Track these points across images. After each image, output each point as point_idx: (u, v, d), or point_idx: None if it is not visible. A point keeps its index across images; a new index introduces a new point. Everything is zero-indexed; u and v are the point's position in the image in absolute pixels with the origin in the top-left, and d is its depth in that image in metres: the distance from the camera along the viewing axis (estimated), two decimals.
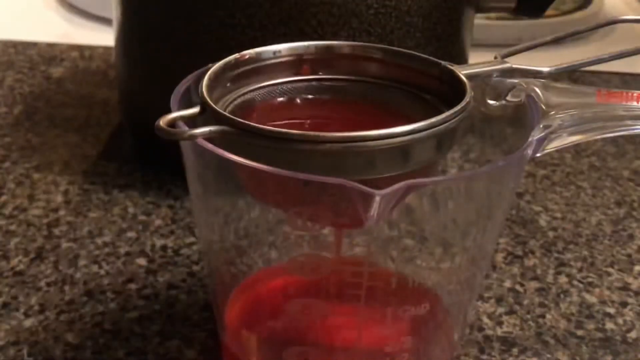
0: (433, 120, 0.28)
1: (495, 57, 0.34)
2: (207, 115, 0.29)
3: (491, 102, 0.33)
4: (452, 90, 0.30)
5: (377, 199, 0.25)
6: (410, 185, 0.26)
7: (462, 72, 0.31)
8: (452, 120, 0.28)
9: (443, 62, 0.32)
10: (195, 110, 0.29)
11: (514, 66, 0.33)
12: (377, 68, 0.33)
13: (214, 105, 0.29)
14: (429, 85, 0.32)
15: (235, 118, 0.28)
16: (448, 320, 0.33)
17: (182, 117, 0.28)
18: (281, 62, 0.33)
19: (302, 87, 0.33)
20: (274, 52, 0.32)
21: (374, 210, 0.26)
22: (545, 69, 0.33)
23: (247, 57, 0.32)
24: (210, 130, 0.28)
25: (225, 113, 0.28)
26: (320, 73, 0.33)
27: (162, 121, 0.27)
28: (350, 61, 0.33)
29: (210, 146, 0.27)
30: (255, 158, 0.27)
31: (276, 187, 0.29)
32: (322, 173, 0.27)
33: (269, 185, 0.29)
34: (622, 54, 0.35)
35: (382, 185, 0.26)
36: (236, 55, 0.32)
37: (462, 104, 0.29)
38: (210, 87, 0.30)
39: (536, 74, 0.33)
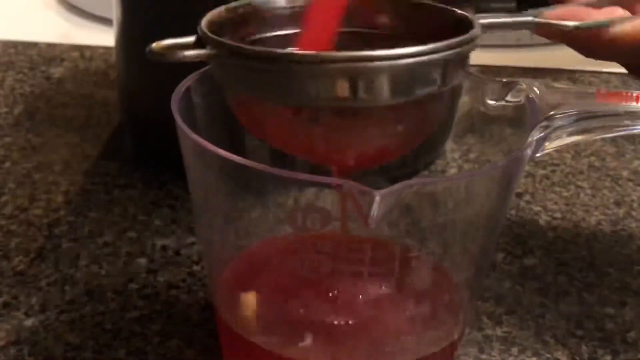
0: (438, 44, 0.27)
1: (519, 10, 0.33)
2: (208, 43, 0.28)
3: (491, 102, 0.33)
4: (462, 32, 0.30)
5: (377, 198, 0.25)
6: (409, 185, 0.26)
7: (489, 21, 0.31)
8: (457, 49, 0.28)
9: (452, 8, 0.31)
10: (190, 38, 0.29)
11: (538, 20, 0.33)
12: (387, 19, 0.32)
13: (207, 32, 0.28)
14: (441, 34, 0.31)
15: (228, 42, 0.28)
16: (448, 319, 0.33)
17: (177, 44, 0.28)
18: (286, 13, 0.32)
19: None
20: (282, 2, 0.32)
21: (375, 210, 0.26)
22: (571, 23, 0.33)
23: (253, 5, 0.32)
24: (201, 53, 0.28)
25: (218, 38, 0.28)
26: None
27: (156, 45, 0.27)
28: (360, 12, 0.32)
29: (210, 147, 0.27)
30: (251, 86, 0.27)
31: (274, 121, 0.29)
32: (321, 98, 0.27)
33: (268, 120, 0.29)
34: None
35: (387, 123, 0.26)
36: (242, 2, 0.31)
37: (469, 33, 0.28)
38: (212, 25, 0.29)
39: (561, 28, 0.33)
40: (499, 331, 0.39)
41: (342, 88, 0.27)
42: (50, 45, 0.68)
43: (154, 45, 0.27)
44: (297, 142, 0.31)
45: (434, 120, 0.31)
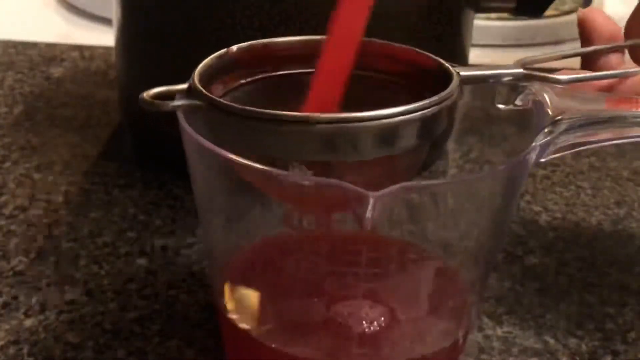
0: (415, 105, 0.28)
1: (518, 61, 0.33)
2: (195, 95, 0.29)
3: (501, 106, 0.33)
4: (443, 83, 0.31)
5: (372, 200, 0.25)
6: (405, 187, 0.26)
7: (472, 73, 0.32)
8: (435, 107, 0.29)
9: (435, 57, 0.32)
10: (182, 86, 0.29)
11: (531, 73, 0.33)
12: (372, 62, 0.33)
13: (198, 85, 0.29)
14: (425, 80, 0.32)
15: (214, 97, 0.28)
16: (453, 322, 0.33)
17: (168, 92, 0.29)
18: (276, 55, 0.33)
19: (294, 79, 0.33)
20: (273, 44, 0.33)
21: (370, 212, 0.26)
22: (563, 77, 0.33)
23: (242, 49, 0.32)
24: (189, 104, 0.28)
25: (210, 95, 0.29)
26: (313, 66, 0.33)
27: (147, 94, 0.28)
28: None
29: (212, 147, 0.27)
30: (240, 140, 0.28)
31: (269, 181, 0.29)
32: (308, 155, 0.28)
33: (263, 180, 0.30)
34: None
35: (368, 172, 0.27)
36: (236, 46, 0.32)
37: (446, 91, 0.29)
38: (205, 73, 0.30)
39: (553, 82, 0.33)
40: (499, 331, 0.39)
41: (323, 146, 0.28)
42: (50, 45, 0.67)
43: (144, 94, 0.28)
44: (281, 191, 0.31)
45: (414, 167, 0.32)
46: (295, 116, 0.28)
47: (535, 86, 0.32)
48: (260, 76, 0.33)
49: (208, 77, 0.30)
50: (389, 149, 0.29)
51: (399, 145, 0.29)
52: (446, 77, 0.31)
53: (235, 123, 0.28)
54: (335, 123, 0.28)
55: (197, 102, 0.29)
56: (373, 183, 0.28)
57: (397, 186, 0.26)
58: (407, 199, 0.32)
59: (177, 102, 0.29)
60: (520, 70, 0.33)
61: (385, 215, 0.27)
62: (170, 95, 0.29)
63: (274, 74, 0.33)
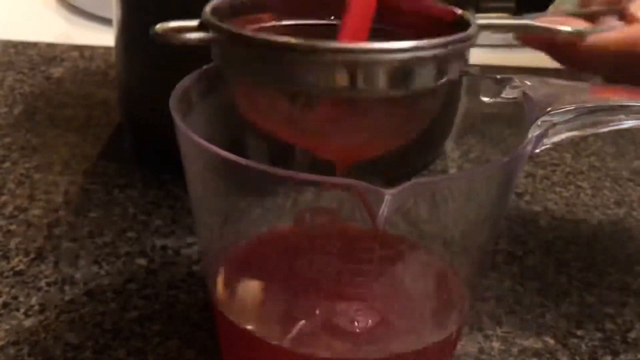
0: (434, 41, 0.28)
1: (524, 16, 0.34)
2: (207, 26, 0.29)
3: (485, 99, 0.33)
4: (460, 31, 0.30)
5: (387, 197, 0.25)
6: (418, 183, 0.26)
7: (481, 21, 0.31)
8: (452, 46, 0.28)
9: (451, 6, 0.32)
10: (194, 22, 0.29)
11: (535, 23, 0.33)
12: (387, 14, 0.32)
13: (209, 16, 0.29)
14: (440, 31, 0.31)
15: (228, 26, 0.28)
16: (448, 316, 0.33)
17: (180, 27, 0.29)
18: (291, 4, 0.32)
19: (308, 30, 0.33)
20: None
21: (384, 209, 0.26)
22: (567, 28, 0.34)
23: None
24: (203, 37, 0.28)
25: (219, 23, 0.28)
26: (331, 17, 0.33)
27: (160, 27, 0.28)
28: None
29: (209, 146, 0.27)
30: (249, 70, 0.27)
31: (273, 107, 0.29)
32: (317, 86, 0.27)
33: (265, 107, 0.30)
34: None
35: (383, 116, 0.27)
36: None
37: (466, 32, 0.29)
38: (215, 11, 0.30)
39: (556, 32, 0.33)
40: (499, 331, 0.39)
41: (338, 78, 0.27)
42: (50, 45, 0.68)
43: (158, 27, 0.28)
44: (294, 130, 0.31)
45: (428, 115, 0.31)
46: (304, 44, 0.27)
47: (519, 77, 0.32)
48: (266, 25, 0.32)
49: (219, 16, 0.30)
50: (403, 88, 0.28)
51: (413, 84, 0.28)
52: (463, 25, 0.30)
53: (244, 52, 0.28)
54: (346, 52, 0.27)
55: (209, 34, 0.28)
56: (389, 130, 0.27)
57: (410, 182, 0.26)
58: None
59: (192, 35, 0.28)
60: (530, 21, 0.33)
61: (398, 213, 0.26)
62: (182, 31, 0.29)
63: (280, 23, 0.32)
